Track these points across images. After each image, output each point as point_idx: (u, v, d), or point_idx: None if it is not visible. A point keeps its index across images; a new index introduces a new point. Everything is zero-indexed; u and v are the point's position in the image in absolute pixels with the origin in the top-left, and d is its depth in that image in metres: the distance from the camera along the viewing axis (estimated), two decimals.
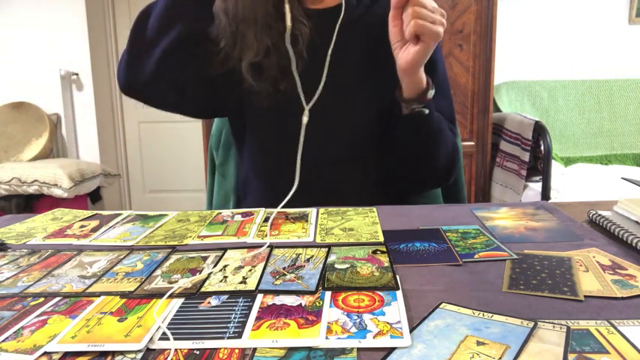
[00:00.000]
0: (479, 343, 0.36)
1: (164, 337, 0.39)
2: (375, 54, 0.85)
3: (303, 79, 0.82)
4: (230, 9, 0.82)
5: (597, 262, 0.51)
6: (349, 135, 0.87)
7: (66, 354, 0.37)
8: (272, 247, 0.58)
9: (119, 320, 0.41)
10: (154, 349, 0.37)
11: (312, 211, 0.73)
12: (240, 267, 0.52)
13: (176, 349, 0.37)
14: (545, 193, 2.07)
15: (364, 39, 0.86)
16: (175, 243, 0.62)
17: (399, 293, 0.44)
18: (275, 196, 0.76)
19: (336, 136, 0.86)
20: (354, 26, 0.86)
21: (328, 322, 0.40)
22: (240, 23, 0.82)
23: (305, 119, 0.82)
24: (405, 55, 0.74)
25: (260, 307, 0.43)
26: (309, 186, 0.79)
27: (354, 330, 0.38)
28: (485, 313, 0.40)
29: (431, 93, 0.79)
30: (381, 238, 0.60)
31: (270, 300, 0.44)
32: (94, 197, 2.84)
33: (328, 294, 0.45)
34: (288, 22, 0.79)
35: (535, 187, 2.16)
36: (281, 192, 0.76)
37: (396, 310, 0.41)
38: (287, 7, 0.79)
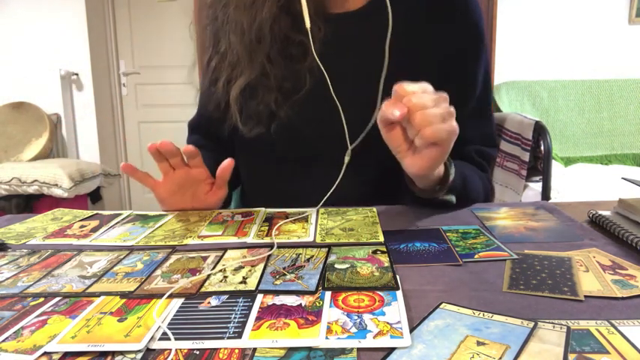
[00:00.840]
0: (479, 343, 0.36)
1: (164, 337, 0.39)
2: (406, 63, 0.67)
3: (323, 102, 0.67)
4: (225, 18, 0.69)
5: (597, 262, 0.51)
6: (376, 170, 0.73)
7: (66, 354, 0.37)
8: (272, 247, 0.58)
9: (119, 320, 0.41)
10: (154, 349, 0.37)
11: (312, 212, 0.73)
12: (240, 267, 0.52)
13: (176, 349, 0.37)
14: (545, 193, 2.07)
15: (392, 47, 0.67)
16: (175, 243, 0.62)
17: (399, 293, 0.44)
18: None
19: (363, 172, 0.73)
20: (380, 33, 0.67)
21: (328, 322, 0.40)
22: (232, 34, 0.69)
23: (347, 159, 0.67)
24: (417, 161, 0.56)
25: (260, 307, 0.43)
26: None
27: (354, 330, 0.38)
28: (485, 313, 0.40)
29: (452, 175, 0.64)
30: (381, 238, 0.60)
31: (270, 300, 0.44)
32: (94, 197, 2.84)
33: (328, 294, 0.45)
34: (308, 24, 0.64)
35: (535, 187, 2.16)
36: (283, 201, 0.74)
37: (396, 310, 0.41)
38: (304, 2, 0.64)
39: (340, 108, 0.67)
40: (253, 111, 0.71)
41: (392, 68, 0.66)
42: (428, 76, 0.55)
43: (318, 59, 0.66)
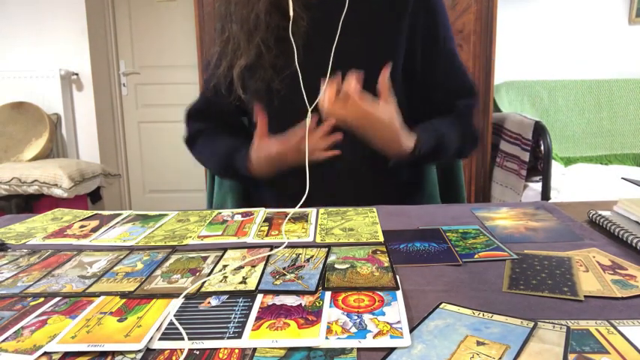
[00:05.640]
0: (479, 343, 0.36)
1: (164, 337, 0.39)
2: (379, 39, 0.82)
3: (303, 73, 0.80)
4: (228, 12, 0.83)
5: (597, 262, 0.51)
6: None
7: (66, 354, 0.37)
8: (272, 247, 0.58)
9: (119, 320, 0.41)
10: (154, 349, 0.37)
11: (312, 211, 0.73)
12: (240, 267, 0.52)
13: (176, 349, 0.37)
14: (545, 193, 2.06)
15: (366, 24, 0.83)
16: (175, 243, 0.62)
17: (399, 293, 0.44)
18: (281, 198, 0.76)
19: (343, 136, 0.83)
20: (356, 12, 0.82)
21: (328, 322, 0.40)
22: (234, 23, 0.83)
23: (308, 120, 0.79)
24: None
25: (260, 307, 0.43)
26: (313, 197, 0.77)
27: (354, 330, 0.38)
28: (485, 313, 0.40)
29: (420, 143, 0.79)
30: (381, 238, 0.60)
31: (270, 300, 0.44)
32: (94, 197, 2.84)
33: (328, 294, 0.45)
34: (291, 12, 0.79)
35: (535, 187, 2.15)
36: (286, 194, 0.76)
37: (396, 310, 0.41)
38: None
39: (300, 75, 0.80)
40: (253, 87, 0.83)
41: (372, 43, 0.83)
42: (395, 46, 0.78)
43: (292, 39, 0.80)
